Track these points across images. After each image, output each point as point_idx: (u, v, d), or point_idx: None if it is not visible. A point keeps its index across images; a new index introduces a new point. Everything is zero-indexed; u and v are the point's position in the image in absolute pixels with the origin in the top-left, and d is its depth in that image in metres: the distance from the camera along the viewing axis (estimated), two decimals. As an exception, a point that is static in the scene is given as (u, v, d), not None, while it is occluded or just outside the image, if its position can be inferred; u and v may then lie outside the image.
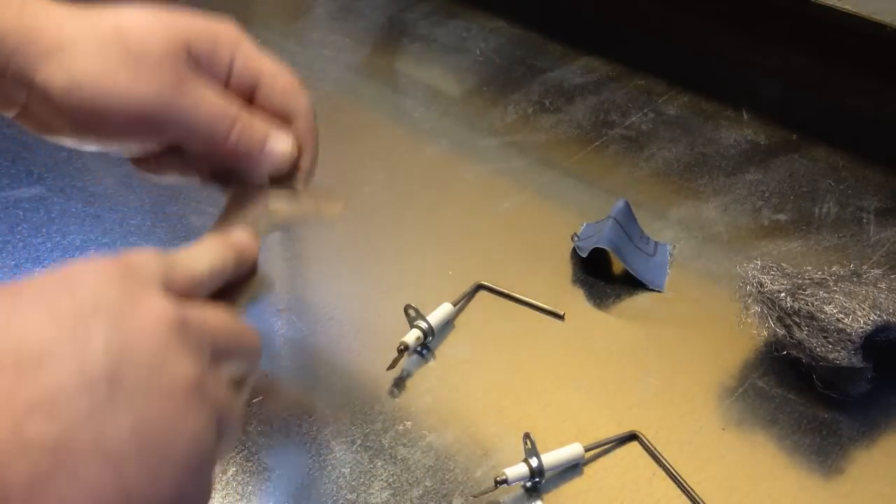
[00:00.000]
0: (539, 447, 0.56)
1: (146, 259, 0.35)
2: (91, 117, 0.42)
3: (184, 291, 0.36)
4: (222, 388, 0.35)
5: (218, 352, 0.35)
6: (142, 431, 0.30)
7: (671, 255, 0.72)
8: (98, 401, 0.29)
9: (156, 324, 0.32)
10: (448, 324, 0.67)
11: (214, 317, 0.36)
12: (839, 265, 0.65)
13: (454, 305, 0.67)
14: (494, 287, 0.70)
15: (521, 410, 0.61)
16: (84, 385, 0.29)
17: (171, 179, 0.48)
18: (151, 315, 0.32)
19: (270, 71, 0.49)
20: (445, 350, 0.66)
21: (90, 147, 0.45)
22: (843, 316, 0.57)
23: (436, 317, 0.66)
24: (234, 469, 0.58)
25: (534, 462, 0.55)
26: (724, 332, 0.65)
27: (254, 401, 0.62)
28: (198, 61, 0.44)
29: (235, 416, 0.36)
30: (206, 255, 0.39)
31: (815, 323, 0.58)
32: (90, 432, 0.29)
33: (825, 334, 0.57)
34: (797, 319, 0.59)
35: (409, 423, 0.61)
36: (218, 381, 0.35)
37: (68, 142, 0.45)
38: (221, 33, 0.47)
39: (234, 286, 0.41)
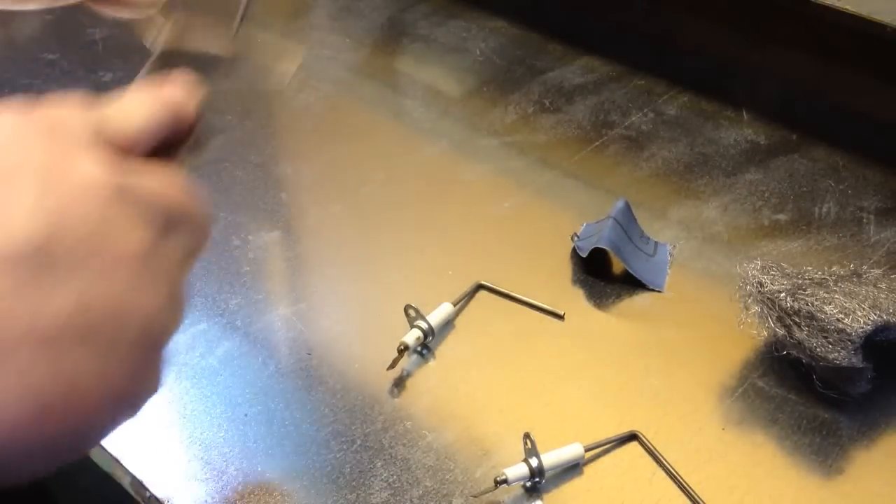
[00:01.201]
0: (539, 447, 0.56)
1: (71, 114, 0.30)
2: None
3: (117, 151, 0.31)
4: (173, 262, 0.30)
5: (165, 220, 0.30)
6: (84, 311, 0.26)
7: (671, 255, 0.72)
8: (27, 276, 0.25)
9: (93, 188, 0.27)
10: (448, 324, 0.67)
11: (158, 181, 0.31)
12: (839, 265, 0.65)
13: (454, 305, 0.67)
14: (494, 287, 0.70)
15: (521, 410, 0.61)
16: (8, 258, 0.25)
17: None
18: (86, 179, 0.28)
19: None
20: (445, 350, 0.66)
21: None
22: (843, 316, 0.57)
23: (436, 317, 0.66)
24: (235, 469, 0.58)
25: (534, 462, 0.55)
26: (724, 332, 0.65)
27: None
28: None
29: (185, 293, 0.32)
30: (139, 109, 0.33)
31: (815, 323, 0.58)
32: (19, 313, 0.25)
33: (825, 334, 0.57)
34: (797, 319, 0.59)
35: (409, 423, 0.61)
36: (167, 252, 0.30)
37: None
38: None
39: (168, 145, 0.36)
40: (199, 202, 0.33)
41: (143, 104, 0.33)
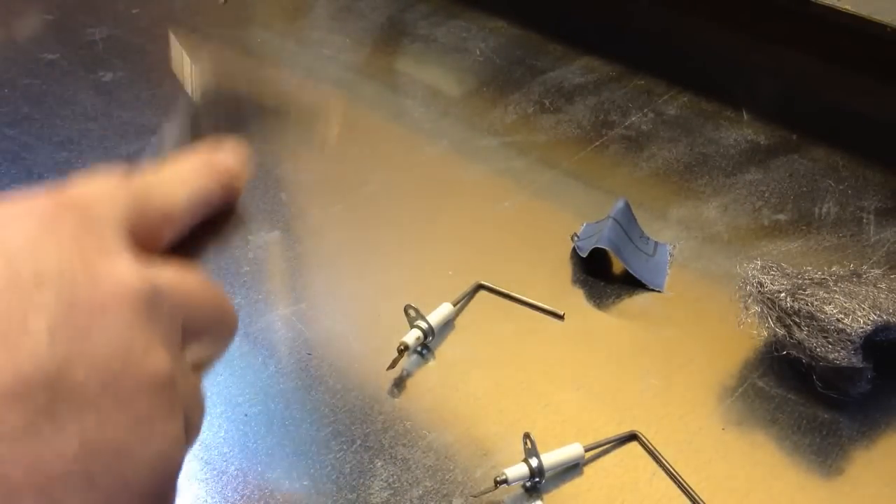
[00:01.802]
0: (539, 447, 0.56)
1: (106, 193, 0.26)
2: None
3: (155, 231, 0.27)
4: (190, 377, 0.27)
5: (190, 330, 0.27)
6: (91, 453, 0.22)
7: (671, 255, 0.72)
8: (33, 414, 0.21)
9: (119, 299, 0.23)
10: (448, 324, 0.67)
11: (190, 281, 0.27)
12: (839, 265, 0.65)
13: (454, 305, 0.67)
14: (494, 287, 0.70)
15: (521, 410, 0.61)
16: (17, 395, 0.21)
17: None
18: (115, 289, 0.24)
19: None
20: (445, 350, 0.66)
21: None
22: (843, 316, 0.57)
23: (436, 317, 0.66)
24: (235, 469, 0.58)
25: (534, 462, 0.55)
26: (724, 332, 0.65)
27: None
28: None
29: (202, 408, 0.28)
30: (186, 179, 0.29)
31: (815, 323, 0.58)
32: (21, 457, 0.21)
33: (825, 334, 0.57)
34: (797, 319, 0.59)
35: (409, 423, 0.61)
36: (187, 370, 0.27)
37: None
38: None
39: (212, 221, 0.31)
40: (228, 305, 0.29)
41: (192, 172, 0.29)
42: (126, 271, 0.24)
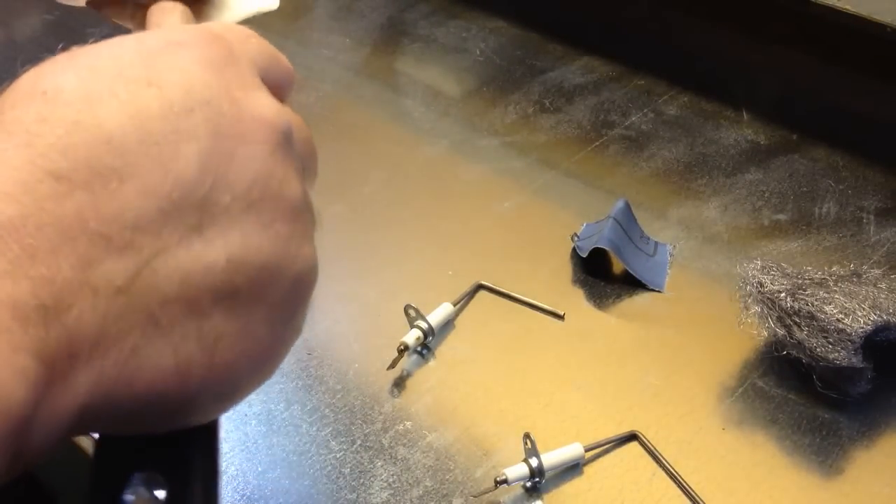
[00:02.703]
0: (539, 447, 0.56)
1: (247, 37, 0.28)
2: None
3: (278, 87, 0.29)
4: (312, 210, 0.29)
5: (305, 166, 0.29)
6: (236, 268, 0.24)
7: (671, 255, 0.72)
8: (188, 228, 0.23)
9: (261, 130, 0.25)
10: (448, 324, 0.67)
11: (304, 126, 0.29)
12: (839, 265, 0.65)
13: (454, 305, 0.67)
14: (494, 287, 0.70)
15: (521, 410, 0.61)
16: (170, 214, 0.23)
17: None
18: (259, 119, 0.25)
19: None
20: (445, 350, 0.66)
21: None
22: (843, 316, 0.57)
23: (436, 317, 0.66)
24: (235, 469, 0.58)
25: (534, 462, 0.55)
26: (724, 332, 0.65)
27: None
28: None
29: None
30: (276, 51, 0.31)
31: (815, 323, 0.58)
32: (175, 271, 0.23)
33: (825, 334, 0.57)
34: (797, 319, 0.59)
35: (409, 423, 0.61)
36: (309, 201, 0.29)
37: None
38: None
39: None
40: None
41: (271, 47, 0.30)
42: (266, 106, 0.26)
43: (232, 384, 0.26)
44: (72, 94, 0.23)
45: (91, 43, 0.25)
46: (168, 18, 0.30)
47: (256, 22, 1.11)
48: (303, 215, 0.27)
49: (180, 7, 0.31)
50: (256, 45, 0.28)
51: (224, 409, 0.26)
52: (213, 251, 0.23)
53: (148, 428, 0.25)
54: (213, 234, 0.23)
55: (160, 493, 0.25)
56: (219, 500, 0.27)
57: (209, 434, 0.28)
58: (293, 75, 0.30)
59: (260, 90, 0.26)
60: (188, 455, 0.27)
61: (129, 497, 0.25)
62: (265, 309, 0.25)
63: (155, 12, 0.31)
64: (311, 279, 0.28)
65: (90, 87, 0.23)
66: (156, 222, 0.22)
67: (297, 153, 0.28)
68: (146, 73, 0.24)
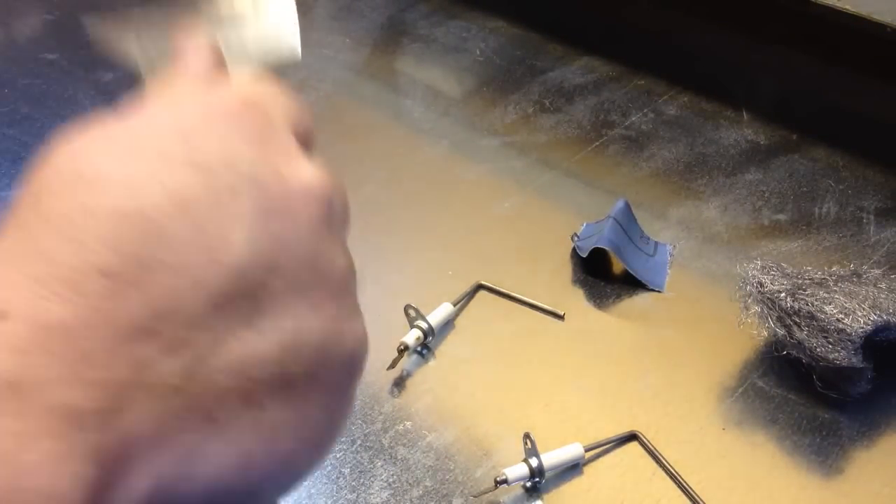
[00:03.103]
0: (539, 447, 0.56)
1: (276, 95, 0.26)
2: None
3: (306, 141, 0.27)
4: (356, 278, 0.27)
5: (344, 222, 0.27)
6: (292, 355, 0.22)
7: (671, 255, 0.72)
8: (237, 322, 0.21)
9: (308, 203, 0.23)
10: (448, 324, 0.67)
11: (338, 180, 0.27)
12: (839, 265, 0.65)
13: (454, 305, 0.67)
14: (494, 287, 0.70)
15: (521, 410, 0.61)
16: (221, 306, 0.21)
17: None
18: (302, 190, 0.23)
19: None
20: (445, 350, 0.66)
21: None
22: (843, 316, 0.57)
23: (436, 317, 0.66)
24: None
25: (534, 462, 0.55)
26: (724, 332, 0.65)
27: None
28: None
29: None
30: (298, 104, 0.28)
31: (815, 323, 0.58)
32: (227, 364, 0.21)
33: (825, 334, 0.57)
34: (797, 319, 0.59)
35: (409, 423, 0.61)
36: (353, 270, 0.27)
37: None
38: None
39: None
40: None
41: (295, 101, 0.28)
42: (310, 175, 0.24)
43: (292, 471, 0.25)
44: (114, 180, 0.21)
45: (118, 105, 0.23)
46: (198, 61, 0.28)
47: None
48: (351, 290, 0.25)
49: (209, 48, 0.28)
50: (287, 104, 0.26)
51: (285, 493, 0.26)
52: (266, 341, 0.22)
53: None
54: (265, 322, 0.22)
55: None
56: None
57: None
58: (312, 124, 0.28)
59: (300, 157, 0.25)
60: None
61: None
62: (321, 393, 0.24)
63: (183, 52, 0.28)
64: (363, 354, 0.26)
65: (132, 172, 0.21)
66: (209, 316, 0.21)
67: (342, 218, 0.26)
68: (188, 153, 0.22)
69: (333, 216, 0.25)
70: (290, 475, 0.25)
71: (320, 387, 0.24)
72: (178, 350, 0.21)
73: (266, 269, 0.22)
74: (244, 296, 0.22)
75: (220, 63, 0.28)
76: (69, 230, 0.21)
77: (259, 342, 0.22)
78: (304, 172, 0.24)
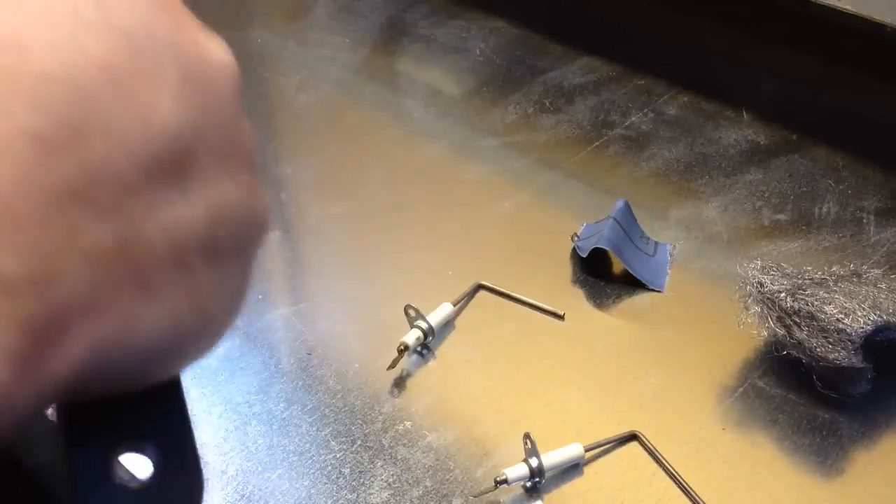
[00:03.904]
0: (539, 447, 0.56)
1: None
2: None
3: None
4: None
5: None
6: (216, 217, 0.23)
7: (671, 255, 0.72)
8: (168, 186, 0.22)
9: (224, 76, 0.24)
10: (448, 324, 0.67)
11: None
12: (839, 265, 0.65)
13: (454, 305, 0.67)
14: (494, 287, 0.70)
15: (521, 410, 0.61)
16: (151, 169, 0.21)
17: None
18: (220, 63, 0.24)
19: None
20: (445, 350, 0.66)
21: None
22: (843, 316, 0.57)
23: (436, 317, 0.66)
24: (235, 469, 0.58)
25: (534, 462, 0.55)
26: (724, 332, 0.65)
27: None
28: None
29: None
30: None
31: (815, 323, 0.58)
32: (158, 227, 0.22)
33: (825, 334, 0.57)
34: (797, 319, 0.59)
35: (409, 423, 0.61)
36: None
37: None
38: None
39: None
40: None
41: None
42: (222, 47, 0.25)
43: (216, 334, 0.26)
44: (36, 43, 0.21)
45: None
46: None
47: (256, 22, 1.11)
48: (256, 161, 0.27)
49: None
50: None
51: (215, 345, 0.26)
52: (195, 207, 0.23)
53: (135, 386, 0.25)
54: (193, 190, 0.23)
55: (146, 469, 0.25)
56: (199, 460, 0.27)
57: (174, 391, 0.28)
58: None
59: (206, 31, 0.25)
60: (164, 421, 0.27)
61: (116, 481, 0.25)
62: (239, 256, 0.25)
63: None
64: (267, 223, 0.27)
65: (53, 35, 0.21)
66: (141, 182, 0.21)
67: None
68: (104, 17, 0.22)
69: (239, 93, 0.25)
70: (211, 338, 0.26)
71: (241, 251, 0.25)
72: (112, 216, 0.21)
73: (192, 136, 0.22)
74: (173, 162, 0.22)
75: None
76: None
77: (189, 209, 0.22)
78: (216, 45, 0.24)
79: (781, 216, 0.76)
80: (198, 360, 0.27)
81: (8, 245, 0.19)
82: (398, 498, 0.56)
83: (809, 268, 0.63)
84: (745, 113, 0.87)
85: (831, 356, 0.57)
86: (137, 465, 0.25)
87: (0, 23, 0.21)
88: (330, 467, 0.58)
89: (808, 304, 0.58)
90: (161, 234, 0.22)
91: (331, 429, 0.60)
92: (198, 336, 0.25)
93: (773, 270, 0.63)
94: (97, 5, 0.22)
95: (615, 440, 0.59)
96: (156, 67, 0.22)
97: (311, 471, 0.58)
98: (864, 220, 0.75)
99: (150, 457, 0.25)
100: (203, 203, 0.23)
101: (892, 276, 0.62)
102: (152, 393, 0.26)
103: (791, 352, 0.60)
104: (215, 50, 0.24)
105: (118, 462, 0.25)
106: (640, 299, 0.69)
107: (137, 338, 0.22)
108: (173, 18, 0.23)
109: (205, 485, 0.27)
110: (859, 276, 0.62)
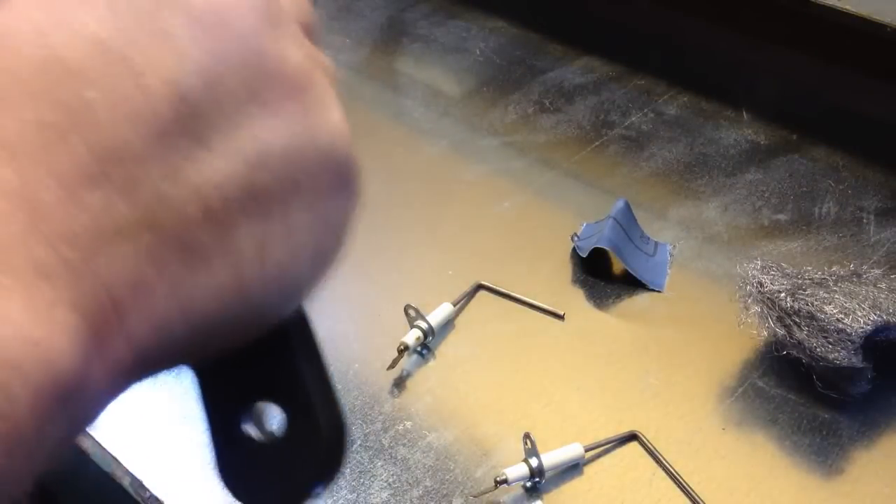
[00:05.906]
0: (539, 447, 0.56)
1: None
2: None
3: None
4: (330, 69, 0.28)
5: (301, 17, 0.27)
6: (257, 162, 0.22)
7: (671, 255, 0.72)
8: (189, 147, 0.21)
9: (242, 3, 0.23)
10: (448, 324, 0.67)
11: None
12: (839, 265, 0.65)
13: (454, 305, 0.67)
14: (494, 287, 0.70)
15: (521, 410, 0.61)
16: (165, 131, 0.21)
17: None
18: None
19: None
20: (445, 350, 0.66)
21: None
22: (843, 316, 0.57)
23: (436, 317, 0.66)
24: (234, 469, 0.58)
25: (534, 462, 0.55)
26: (724, 332, 0.65)
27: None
28: None
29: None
30: None
31: (815, 323, 0.58)
32: (190, 193, 0.21)
33: (825, 334, 0.57)
34: (797, 319, 0.59)
35: (409, 423, 0.61)
36: (323, 59, 0.28)
37: None
38: None
39: None
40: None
41: None
42: None
43: (295, 278, 0.24)
44: (17, 31, 0.20)
45: None
46: None
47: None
48: (312, 80, 0.24)
49: None
50: None
51: (300, 298, 0.26)
52: (225, 158, 0.21)
53: (224, 346, 0.24)
54: (219, 140, 0.21)
55: (278, 418, 0.24)
56: (335, 394, 0.26)
57: (303, 331, 0.27)
58: None
59: None
60: (292, 366, 0.26)
61: (249, 431, 0.25)
62: (301, 195, 0.23)
63: None
64: (343, 143, 0.25)
65: (33, 19, 0.21)
66: (155, 147, 0.20)
67: (285, 10, 0.24)
68: None
69: (276, 11, 0.24)
70: (295, 284, 0.25)
71: (300, 189, 0.23)
72: (132, 189, 0.20)
73: (207, 84, 0.21)
74: (189, 117, 0.21)
75: None
76: None
77: (218, 162, 0.21)
78: None
79: (781, 216, 0.76)
80: (297, 302, 0.26)
81: (35, 235, 0.19)
82: (398, 498, 0.56)
83: (809, 268, 0.63)
84: (745, 113, 0.87)
85: (831, 356, 0.57)
86: (270, 418, 0.25)
87: None
88: (330, 467, 0.58)
89: (808, 304, 0.58)
90: (191, 195, 0.21)
91: (331, 429, 0.60)
92: (274, 287, 0.23)
93: (773, 270, 0.63)
94: None
95: (615, 440, 0.59)
96: (151, 21, 0.21)
97: (311, 471, 0.58)
98: (864, 220, 0.75)
99: (280, 402, 0.25)
100: (234, 152, 0.21)
101: (892, 276, 0.62)
102: (283, 341, 0.25)
103: (791, 352, 0.60)
104: None
105: (251, 414, 0.25)
106: (640, 299, 0.69)
107: (199, 304, 0.21)
108: None
109: (346, 448, 0.25)
110: (859, 276, 0.62)
